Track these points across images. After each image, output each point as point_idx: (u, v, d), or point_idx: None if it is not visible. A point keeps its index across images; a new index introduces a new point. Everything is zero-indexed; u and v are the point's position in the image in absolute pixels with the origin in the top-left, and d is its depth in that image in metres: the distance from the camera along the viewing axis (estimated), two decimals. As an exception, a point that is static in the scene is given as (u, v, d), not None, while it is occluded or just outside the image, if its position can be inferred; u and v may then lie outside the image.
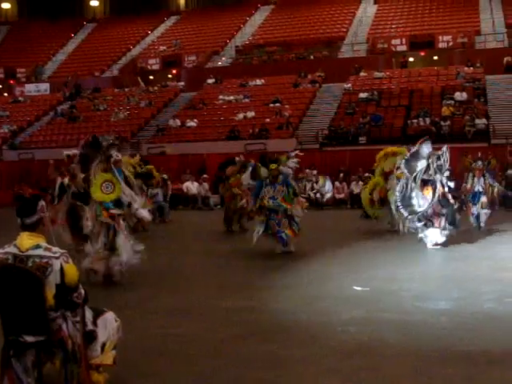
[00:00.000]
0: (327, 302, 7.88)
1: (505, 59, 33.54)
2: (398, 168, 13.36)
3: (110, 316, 4.79)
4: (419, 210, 12.16)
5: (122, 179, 9.65)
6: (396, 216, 13.96)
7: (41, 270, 4.33)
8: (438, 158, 12.40)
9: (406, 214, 12.36)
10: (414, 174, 12.29)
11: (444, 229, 12.36)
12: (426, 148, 12.47)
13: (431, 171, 12.21)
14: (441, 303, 7.76)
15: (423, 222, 12.25)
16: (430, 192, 12.17)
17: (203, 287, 9.26)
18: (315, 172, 24.94)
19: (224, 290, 8.84)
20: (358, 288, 8.62)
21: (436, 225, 12.29)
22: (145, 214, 10.27)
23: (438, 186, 12.21)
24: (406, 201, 12.29)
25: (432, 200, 12.12)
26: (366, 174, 21.75)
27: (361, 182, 22.21)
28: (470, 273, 9.73)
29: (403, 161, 12.62)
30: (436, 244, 12.19)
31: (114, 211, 9.47)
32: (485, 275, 9.41)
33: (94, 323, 4.60)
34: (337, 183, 24.35)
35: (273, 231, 12.18)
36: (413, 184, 12.29)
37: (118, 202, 9.53)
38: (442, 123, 27.33)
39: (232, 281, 9.61)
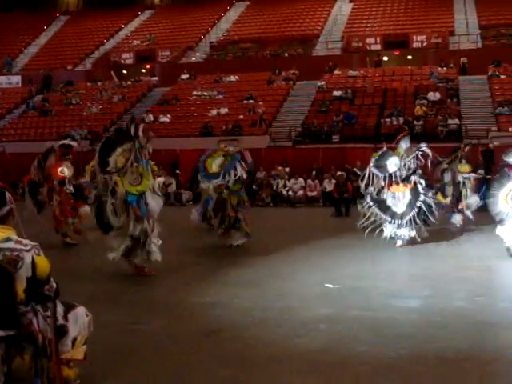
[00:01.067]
0: (297, 299, 7.89)
1: (461, 60, 33.81)
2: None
3: (81, 311, 4.76)
4: (394, 209, 12.24)
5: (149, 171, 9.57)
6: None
7: (12, 264, 4.27)
8: (417, 157, 12.43)
9: (381, 214, 12.47)
10: (384, 173, 12.35)
11: (413, 227, 12.38)
12: (403, 144, 12.53)
13: (405, 169, 12.28)
14: (410, 301, 7.82)
15: (397, 221, 12.28)
16: (403, 190, 12.23)
17: (170, 282, 9.25)
18: (287, 169, 25.00)
19: (192, 286, 8.81)
20: (330, 285, 8.66)
21: (405, 223, 12.32)
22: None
23: (417, 184, 12.29)
24: (380, 201, 12.39)
25: (407, 198, 12.19)
26: (339, 173, 21.89)
27: (333, 180, 22.30)
28: (439, 271, 9.82)
29: (373, 163, 12.61)
30: (403, 243, 12.25)
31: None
32: (454, 273, 9.51)
33: (65, 318, 4.56)
34: (309, 181, 24.38)
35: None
36: (382, 183, 12.37)
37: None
38: (415, 123, 27.54)
39: (200, 277, 9.54)
